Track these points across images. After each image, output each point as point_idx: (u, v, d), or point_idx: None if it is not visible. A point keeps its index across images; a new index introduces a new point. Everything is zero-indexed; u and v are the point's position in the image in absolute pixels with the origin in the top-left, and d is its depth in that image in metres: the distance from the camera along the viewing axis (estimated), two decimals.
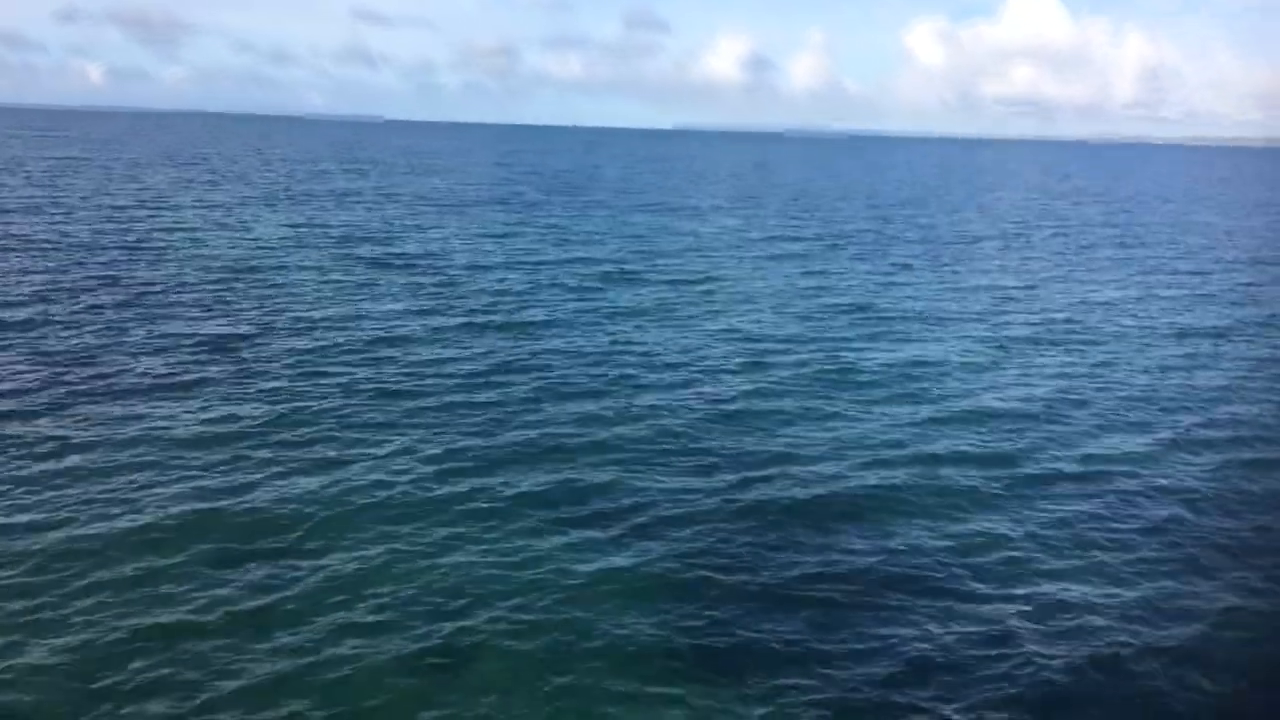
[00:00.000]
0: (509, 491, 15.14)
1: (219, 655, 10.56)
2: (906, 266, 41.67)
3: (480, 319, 27.39)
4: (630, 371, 22.36)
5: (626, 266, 38.19)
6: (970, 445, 18.19)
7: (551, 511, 14.53)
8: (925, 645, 11.45)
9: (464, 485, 15.31)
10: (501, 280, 34.01)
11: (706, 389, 21.22)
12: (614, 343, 25.21)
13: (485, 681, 10.35)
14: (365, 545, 13.21)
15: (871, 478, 16.41)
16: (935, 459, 17.35)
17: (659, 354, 24.18)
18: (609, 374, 22.02)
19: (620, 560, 13.09)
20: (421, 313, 27.91)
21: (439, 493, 15.01)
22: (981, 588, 12.90)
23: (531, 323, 27.24)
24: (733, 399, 20.57)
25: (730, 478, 16.20)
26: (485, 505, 14.65)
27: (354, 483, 15.19)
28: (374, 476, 15.51)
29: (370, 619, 11.41)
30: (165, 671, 10.26)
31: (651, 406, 19.79)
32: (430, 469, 15.92)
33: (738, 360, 23.85)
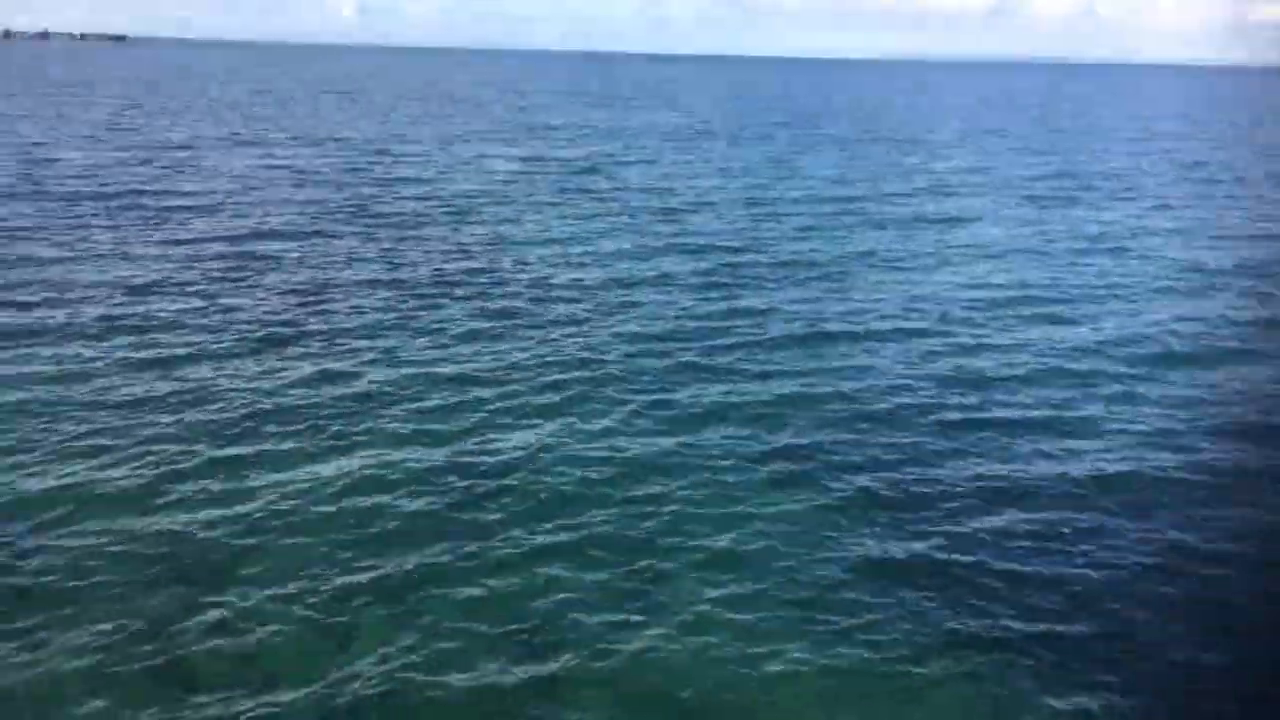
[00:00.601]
0: (743, 450, 14.47)
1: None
2: (1165, 206, 37.75)
3: (704, 261, 26.70)
4: (867, 324, 21.10)
5: (858, 205, 36.43)
6: None
7: (769, 467, 13.81)
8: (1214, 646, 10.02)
9: (683, 440, 14.78)
10: (724, 217, 33.18)
11: (960, 344, 19.76)
12: (842, 291, 23.95)
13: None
14: (613, 502, 12.93)
15: (1173, 459, 14.57)
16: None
17: (901, 304, 22.73)
18: (840, 327, 20.85)
19: (868, 535, 12.23)
20: (645, 253, 27.52)
21: (665, 446, 14.51)
22: None
23: (756, 264, 26.32)
24: (1003, 361, 18.99)
25: (982, 449, 14.82)
26: (716, 463, 14.04)
27: (587, 430, 14.98)
28: (603, 424, 15.23)
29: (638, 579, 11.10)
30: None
31: (894, 363, 18.58)
32: (664, 423, 15.45)
33: (997, 316, 22.00)
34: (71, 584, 10.50)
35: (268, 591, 10.51)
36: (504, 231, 29.56)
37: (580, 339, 19.27)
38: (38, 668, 9.23)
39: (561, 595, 10.68)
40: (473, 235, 28.89)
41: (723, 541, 11.84)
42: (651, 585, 10.93)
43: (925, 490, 13.37)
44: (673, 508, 12.60)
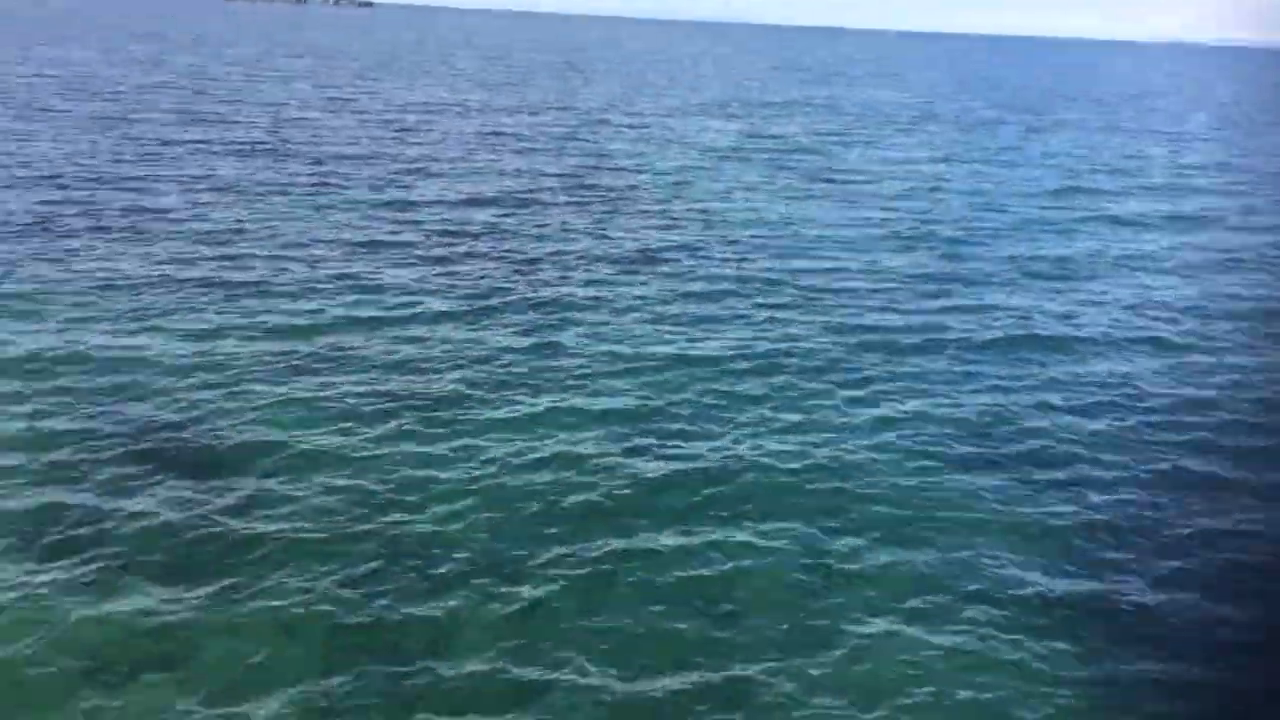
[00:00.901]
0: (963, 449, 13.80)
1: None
2: None
3: (919, 253, 25.60)
4: (1088, 330, 19.70)
5: (1091, 198, 34.07)
6: None
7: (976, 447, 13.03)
8: None
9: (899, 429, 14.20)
10: (944, 206, 31.74)
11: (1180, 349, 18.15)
12: (1064, 292, 22.42)
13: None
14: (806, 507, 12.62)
15: None
16: None
17: (1129, 311, 21.11)
18: (1060, 331, 19.54)
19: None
20: (858, 241, 26.67)
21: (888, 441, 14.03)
22: None
23: (975, 259, 25.01)
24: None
25: (1229, 482, 13.53)
26: (917, 466, 13.44)
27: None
28: (799, 417, 14.87)
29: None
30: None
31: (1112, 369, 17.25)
32: (878, 411, 14.98)
33: (1238, 330, 20.14)
34: (280, 537, 11.04)
35: (457, 556, 10.75)
36: (714, 209, 29.34)
37: (783, 327, 18.84)
38: (251, 615, 9.76)
39: (747, 591, 10.43)
40: (683, 212, 28.83)
41: (924, 552, 11.26)
42: (841, 588, 10.51)
43: (1149, 525, 12.27)
44: (869, 509, 12.09)
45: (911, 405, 15.39)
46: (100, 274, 19.68)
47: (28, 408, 13.66)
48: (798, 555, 11.10)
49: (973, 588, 10.66)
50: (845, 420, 14.68)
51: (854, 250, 25.25)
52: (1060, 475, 13.31)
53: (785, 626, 9.91)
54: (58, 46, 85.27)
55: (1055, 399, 15.90)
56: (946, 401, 15.59)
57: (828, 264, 23.76)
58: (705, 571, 10.70)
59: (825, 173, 37.40)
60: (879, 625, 9.95)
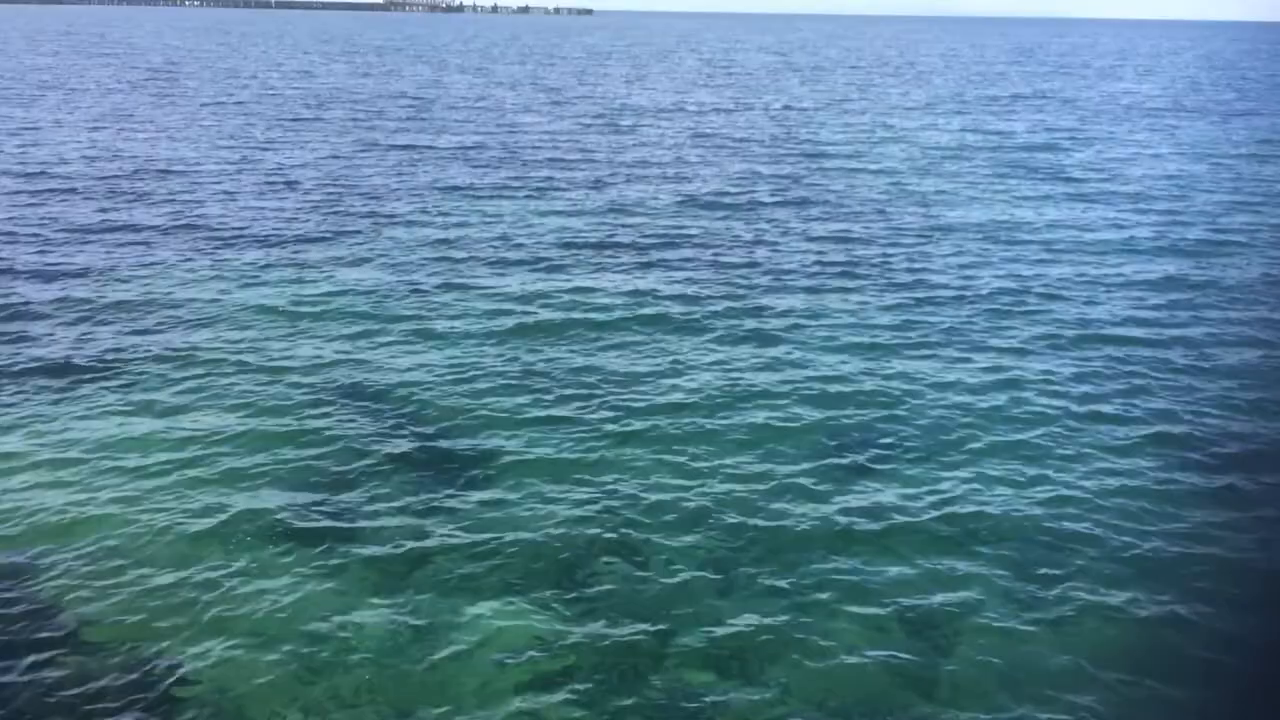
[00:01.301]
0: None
1: None
2: None
3: (1169, 263, 23.55)
4: None
5: None
6: None
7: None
8: None
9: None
10: (1195, 208, 29.08)
11: None
12: None
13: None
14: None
15: None
16: None
17: None
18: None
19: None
20: (1097, 247, 24.84)
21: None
22: None
23: (1229, 268, 22.75)
24: None
25: None
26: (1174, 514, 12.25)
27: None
28: (1031, 455, 13.88)
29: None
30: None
31: None
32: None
33: None
34: (515, 545, 11.16)
35: (671, 542, 10.56)
36: (938, 215, 28.04)
37: (1010, 347, 17.57)
38: (459, 608, 9.96)
39: (963, 594, 9.75)
40: (905, 217, 27.68)
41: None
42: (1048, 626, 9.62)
43: None
44: (1092, 549, 11.06)
45: (1169, 429, 14.04)
46: (339, 279, 20.80)
47: (281, 411, 14.56)
48: (1012, 592, 10.27)
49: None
50: (1083, 465, 13.54)
51: (1092, 255, 23.48)
52: None
53: (994, 661, 9.17)
54: (296, 58, 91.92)
55: None
56: (1212, 429, 14.13)
57: (1061, 272, 22.16)
58: (928, 604, 10.05)
59: (1062, 173, 35.09)
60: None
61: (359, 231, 24.54)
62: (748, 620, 9.84)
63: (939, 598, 10.20)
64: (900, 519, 11.68)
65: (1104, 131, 47.15)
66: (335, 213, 26.50)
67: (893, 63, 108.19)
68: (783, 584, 10.44)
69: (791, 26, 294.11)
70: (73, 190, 28.28)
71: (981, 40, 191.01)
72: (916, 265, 22.42)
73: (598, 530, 11.33)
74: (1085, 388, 15.48)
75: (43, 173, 30.59)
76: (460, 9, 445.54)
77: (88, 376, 15.32)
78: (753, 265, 22.26)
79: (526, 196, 29.12)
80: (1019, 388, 15.46)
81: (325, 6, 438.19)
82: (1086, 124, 50.08)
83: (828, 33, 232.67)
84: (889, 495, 12.21)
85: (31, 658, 9.12)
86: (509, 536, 11.17)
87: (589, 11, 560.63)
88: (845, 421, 14.25)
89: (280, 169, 32.73)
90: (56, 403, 14.35)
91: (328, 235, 24.10)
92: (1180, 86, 76.81)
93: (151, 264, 21.33)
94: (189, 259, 21.77)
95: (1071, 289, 20.77)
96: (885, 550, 11.09)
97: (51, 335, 17.03)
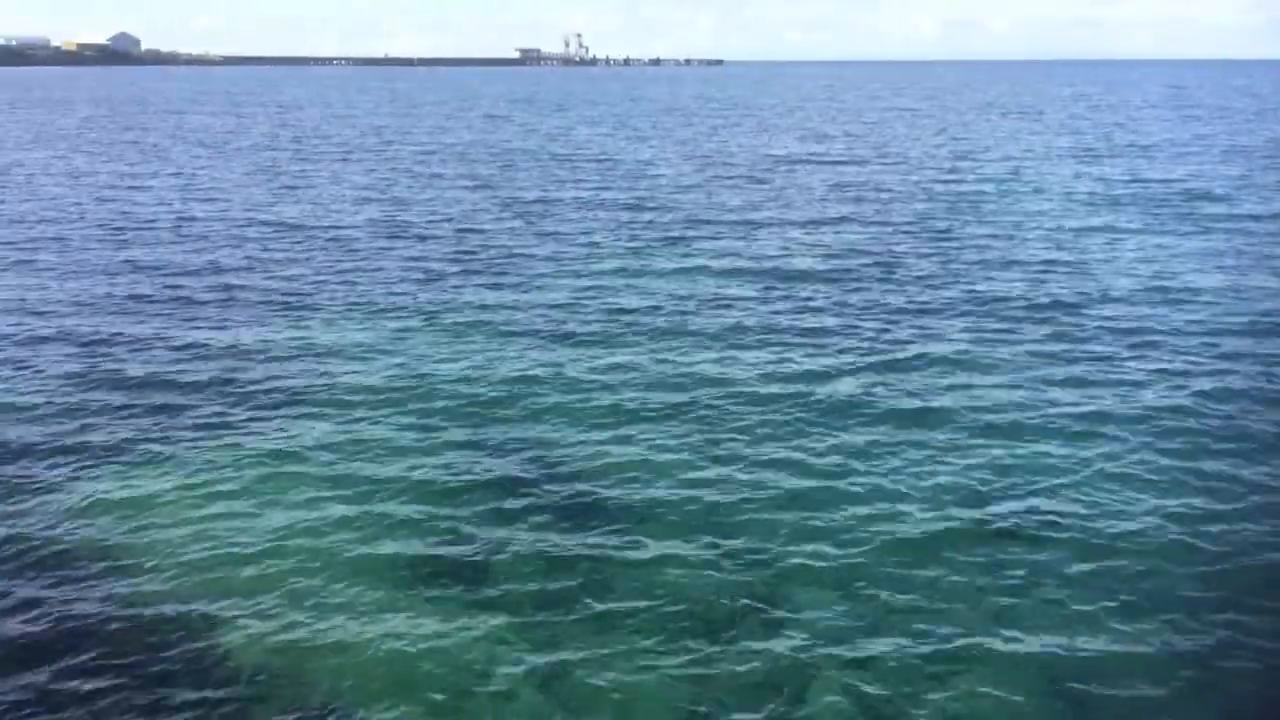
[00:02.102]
0: None
1: None
2: None
3: None
4: None
5: None
6: None
7: None
8: None
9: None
10: None
11: None
12: None
13: None
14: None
15: None
16: None
17: None
18: None
19: None
20: (1257, 296, 23.25)
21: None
22: None
23: None
24: None
25: None
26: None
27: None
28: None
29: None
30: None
31: None
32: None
33: None
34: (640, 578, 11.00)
35: (811, 605, 10.05)
36: (1091, 262, 26.76)
37: (1172, 400, 16.49)
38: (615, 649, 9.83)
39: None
40: (1052, 263, 26.53)
41: None
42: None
43: None
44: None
45: None
46: (482, 328, 21.09)
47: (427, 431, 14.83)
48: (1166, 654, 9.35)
49: None
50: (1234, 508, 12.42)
51: (1253, 304, 21.91)
52: None
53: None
54: (440, 121, 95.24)
55: None
56: None
57: (1225, 322, 20.73)
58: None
59: (1220, 219, 33.17)
60: None
61: (503, 282, 24.90)
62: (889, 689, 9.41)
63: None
64: (1043, 572, 10.98)
65: (1267, 174, 44.54)
66: (480, 264, 27.02)
67: (1027, 107, 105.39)
68: (921, 652, 9.94)
69: (923, 73, 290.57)
70: (220, 240, 29.69)
71: (1103, 84, 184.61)
72: (1073, 314, 21.35)
73: (740, 584, 11.05)
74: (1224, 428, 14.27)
75: (197, 220, 32.28)
76: (593, 62, 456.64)
77: (235, 419, 15.90)
78: (903, 311, 21.61)
79: (663, 246, 29.11)
80: (1173, 430, 14.38)
81: (462, 63, 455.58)
82: (1253, 168, 47.40)
83: (963, 78, 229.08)
84: (1037, 556, 11.58)
85: (186, 693, 9.32)
86: (652, 589, 10.98)
87: (719, 62, 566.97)
88: (991, 474, 13.70)
89: (429, 223, 33.70)
90: (202, 446, 14.82)
91: (472, 286, 24.53)
92: None
93: (301, 311, 22.08)
94: (332, 309, 22.44)
95: (1220, 337, 19.37)
96: (1034, 614, 10.49)
97: (201, 379, 17.75)
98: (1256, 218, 33.55)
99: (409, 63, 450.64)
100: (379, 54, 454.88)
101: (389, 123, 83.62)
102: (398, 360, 18.71)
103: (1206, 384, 17.24)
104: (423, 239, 30.59)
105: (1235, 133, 69.04)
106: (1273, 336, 20.04)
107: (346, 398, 16.76)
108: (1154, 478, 13.61)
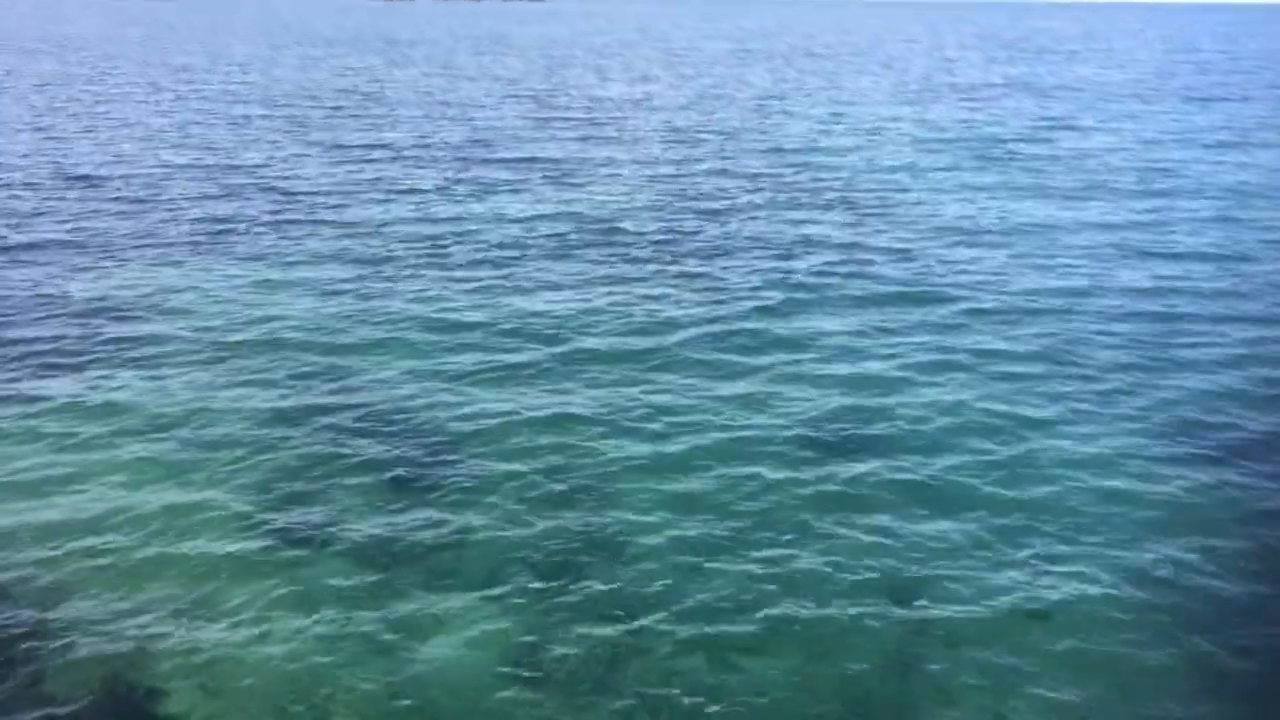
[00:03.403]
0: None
1: None
2: None
3: (1153, 265, 23.13)
4: None
5: None
6: None
7: None
8: None
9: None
10: (1174, 209, 28.81)
11: None
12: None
13: None
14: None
15: None
16: None
17: None
18: None
19: None
20: (1107, 254, 24.41)
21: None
22: None
23: (1247, 277, 22.43)
24: None
25: None
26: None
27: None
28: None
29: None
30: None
31: None
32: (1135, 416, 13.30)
33: None
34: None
35: (650, 535, 9.88)
36: (931, 212, 27.52)
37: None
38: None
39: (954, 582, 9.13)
40: (879, 211, 27.15)
41: None
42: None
43: None
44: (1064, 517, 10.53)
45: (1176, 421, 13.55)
46: (304, 281, 19.85)
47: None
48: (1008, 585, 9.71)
49: None
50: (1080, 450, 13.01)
51: (1084, 259, 23.03)
52: None
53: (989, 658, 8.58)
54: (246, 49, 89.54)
55: None
56: (1222, 420, 13.67)
57: (1056, 279, 21.68)
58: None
59: (1047, 164, 34.69)
60: None
61: (317, 233, 23.52)
62: (729, 612, 9.69)
63: (930, 586, 9.77)
64: (888, 497, 11.46)
65: (1088, 119, 46.95)
66: (293, 214, 25.44)
67: (852, 49, 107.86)
68: (765, 571, 10.27)
69: (745, 12, 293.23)
70: (22, 187, 26.95)
71: (939, 25, 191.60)
72: (892, 265, 21.87)
73: (575, 524, 11.12)
74: (1073, 386, 14.98)
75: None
76: None
77: (68, 369, 14.93)
78: (724, 267, 21.59)
79: (478, 195, 28.21)
80: (1002, 381, 14.94)
81: None
82: (1070, 113, 49.86)
83: (781, 19, 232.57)
84: (873, 484, 12.01)
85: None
86: (484, 534, 10.89)
87: None
88: (828, 417, 13.87)
89: (234, 168, 31.51)
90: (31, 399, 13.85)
91: (287, 236, 23.06)
92: (1145, 69, 77.11)
93: (117, 263, 20.24)
94: (145, 261, 20.67)
95: (1057, 300, 20.30)
96: (874, 535, 10.91)
97: (29, 333, 16.17)
98: (1060, 157, 35.31)
99: None
100: None
101: (189, 60, 77.99)
102: (208, 315, 17.58)
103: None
104: (233, 186, 28.60)
105: (1039, 75, 72.55)
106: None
107: (155, 351, 15.77)
108: (985, 419, 14.07)
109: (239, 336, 16.63)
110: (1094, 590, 10.17)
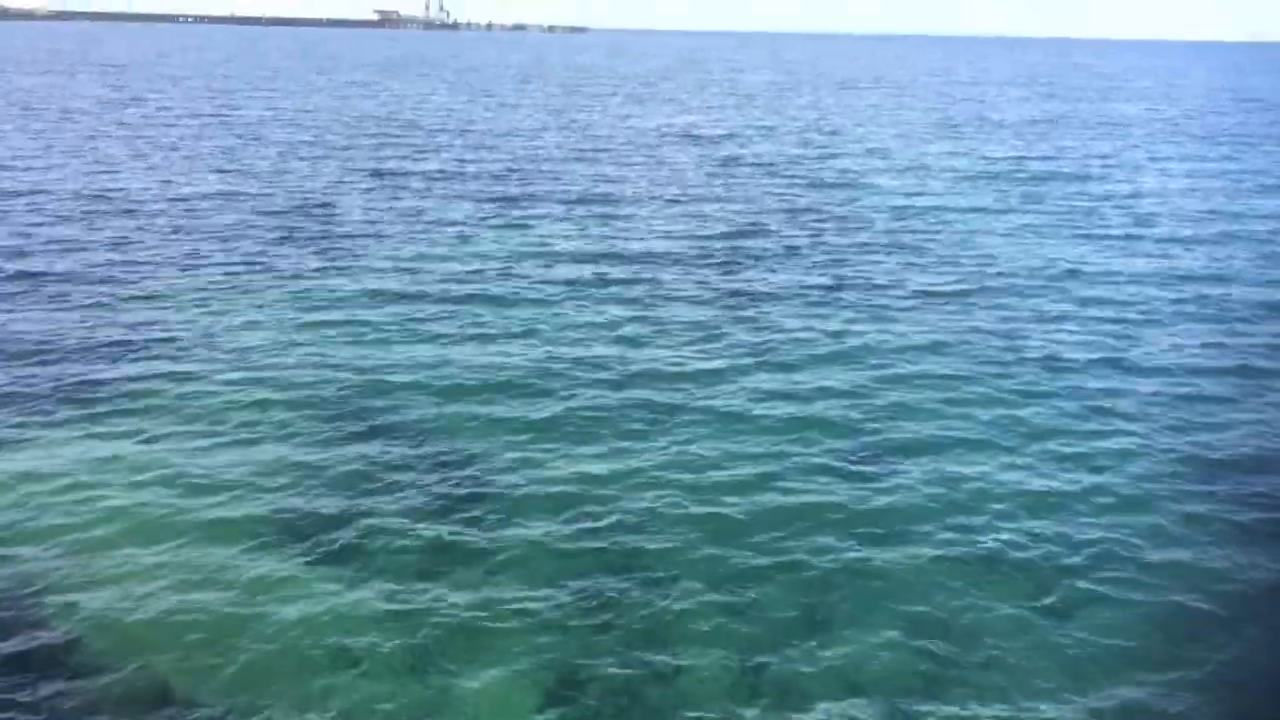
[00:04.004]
0: None
1: None
2: None
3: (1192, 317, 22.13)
4: None
5: None
6: None
7: None
8: None
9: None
10: (1225, 256, 27.70)
11: None
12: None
13: None
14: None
15: None
16: None
17: None
18: None
19: None
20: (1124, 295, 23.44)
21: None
22: None
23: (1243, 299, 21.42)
24: None
25: None
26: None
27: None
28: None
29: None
30: None
31: None
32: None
33: None
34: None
35: (680, 559, 9.08)
36: (964, 250, 26.64)
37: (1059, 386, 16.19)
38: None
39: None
40: (928, 248, 26.28)
41: None
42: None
43: None
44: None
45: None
46: (331, 300, 19.33)
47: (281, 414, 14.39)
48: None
49: None
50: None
51: (1129, 309, 21.99)
52: None
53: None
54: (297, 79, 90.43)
55: None
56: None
57: (1088, 328, 20.70)
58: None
59: (1083, 202, 33.69)
60: None
61: (356, 263, 23.03)
62: (760, 640, 9.70)
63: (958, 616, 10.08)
64: (912, 527, 11.69)
65: (1133, 157, 45.90)
66: (332, 242, 25.00)
67: (895, 84, 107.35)
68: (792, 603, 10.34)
69: (787, 45, 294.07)
70: (58, 213, 26.71)
71: (983, 61, 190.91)
72: (915, 288, 20.98)
73: (605, 547, 11.13)
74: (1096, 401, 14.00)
75: (27, 193, 29.02)
76: (455, 26, 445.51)
77: (95, 397, 14.94)
78: (759, 293, 20.81)
79: (519, 227, 27.65)
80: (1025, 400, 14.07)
81: (316, 23, 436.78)
82: (1118, 150, 48.83)
83: (818, 51, 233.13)
84: (899, 501, 12.34)
85: (28, 673, 8.92)
86: (518, 554, 10.96)
87: (584, 29, 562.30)
88: (854, 433, 14.23)
89: (264, 195, 31.23)
90: (58, 425, 13.96)
91: (327, 265, 22.60)
92: (1190, 111, 75.87)
93: (142, 284, 19.90)
94: (176, 287, 20.25)
95: (1081, 353, 19.31)
96: (897, 560, 11.10)
97: (27, 368, 15.93)
98: (1099, 196, 34.31)
99: (257, 21, 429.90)
100: (225, 12, 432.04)
101: (233, 86, 78.75)
102: (248, 344, 17.40)
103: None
104: (271, 214, 28.23)
105: (1074, 111, 71.56)
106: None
107: (190, 385, 15.55)
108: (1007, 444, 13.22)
109: (274, 367, 16.40)
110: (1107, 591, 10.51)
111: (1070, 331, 19.24)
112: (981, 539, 11.58)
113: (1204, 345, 18.58)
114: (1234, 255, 25.86)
